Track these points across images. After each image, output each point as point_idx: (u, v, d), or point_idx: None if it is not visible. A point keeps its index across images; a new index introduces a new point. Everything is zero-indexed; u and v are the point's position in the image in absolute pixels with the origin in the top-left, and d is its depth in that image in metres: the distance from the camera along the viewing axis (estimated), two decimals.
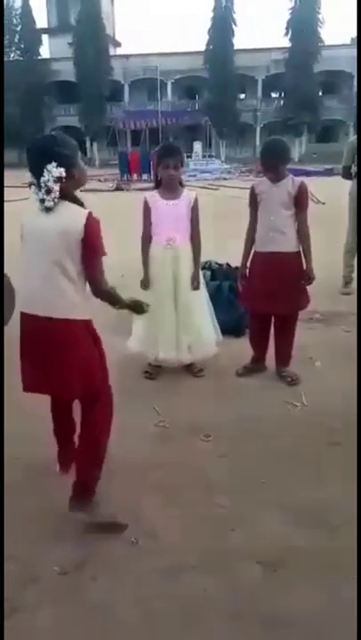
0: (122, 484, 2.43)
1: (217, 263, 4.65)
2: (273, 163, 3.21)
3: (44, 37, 40.40)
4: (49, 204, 1.98)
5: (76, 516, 2.14)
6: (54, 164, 1.94)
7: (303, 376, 3.47)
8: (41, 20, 40.43)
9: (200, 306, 3.50)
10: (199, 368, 3.58)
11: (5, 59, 37.00)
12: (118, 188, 19.51)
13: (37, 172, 1.97)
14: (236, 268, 4.41)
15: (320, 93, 37.67)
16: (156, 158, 3.34)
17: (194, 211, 3.35)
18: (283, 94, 38.03)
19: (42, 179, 1.95)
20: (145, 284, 3.41)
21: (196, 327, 3.46)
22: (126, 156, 24.52)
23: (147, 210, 3.37)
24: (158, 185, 3.39)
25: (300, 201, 3.22)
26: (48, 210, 2.00)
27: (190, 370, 3.58)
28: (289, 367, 3.50)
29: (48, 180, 1.94)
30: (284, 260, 3.26)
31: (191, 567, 1.94)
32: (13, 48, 38.14)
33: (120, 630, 1.71)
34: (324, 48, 35.53)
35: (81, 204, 2.08)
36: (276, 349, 3.52)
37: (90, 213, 2.03)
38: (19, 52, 38.21)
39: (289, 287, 3.27)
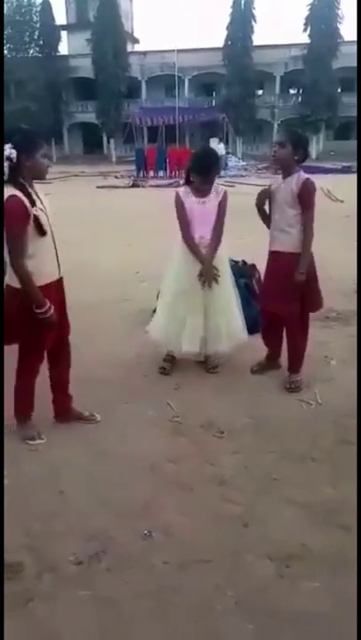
0: (136, 478, 2.45)
1: (233, 260, 4.64)
2: (284, 142, 3.11)
3: (63, 34, 40.56)
4: None
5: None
6: (11, 145, 2.40)
7: (318, 375, 3.46)
8: (60, 17, 40.63)
9: (232, 296, 3.49)
10: (214, 364, 3.59)
11: (24, 55, 37.34)
12: (135, 185, 19.54)
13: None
14: (253, 265, 4.41)
15: (339, 90, 37.19)
16: (200, 166, 3.28)
17: (222, 204, 3.35)
18: (301, 91, 37.62)
19: None
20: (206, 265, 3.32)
21: (230, 311, 3.45)
22: (143, 152, 24.50)
23: (180, 205, 3.34)
24: (189, 182, 3.38)
25: (303, 200, 3.10)
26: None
27: (205, 366, 3.59)
28: (298, 372, 3.36)
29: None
30: (282, 261, 3.19)
31: (203, 562, 1.96)
32: (32, 44, 38.34)
33: (132, 621, 1.73)
34: (343, 44, 35.04)
35: (23, 190, 2.40)
36: (287, 351, 3.45)
37: (9, 196, 2.35)
38: (37, 49, 38.41)
39: (285, 289, 3.17)
